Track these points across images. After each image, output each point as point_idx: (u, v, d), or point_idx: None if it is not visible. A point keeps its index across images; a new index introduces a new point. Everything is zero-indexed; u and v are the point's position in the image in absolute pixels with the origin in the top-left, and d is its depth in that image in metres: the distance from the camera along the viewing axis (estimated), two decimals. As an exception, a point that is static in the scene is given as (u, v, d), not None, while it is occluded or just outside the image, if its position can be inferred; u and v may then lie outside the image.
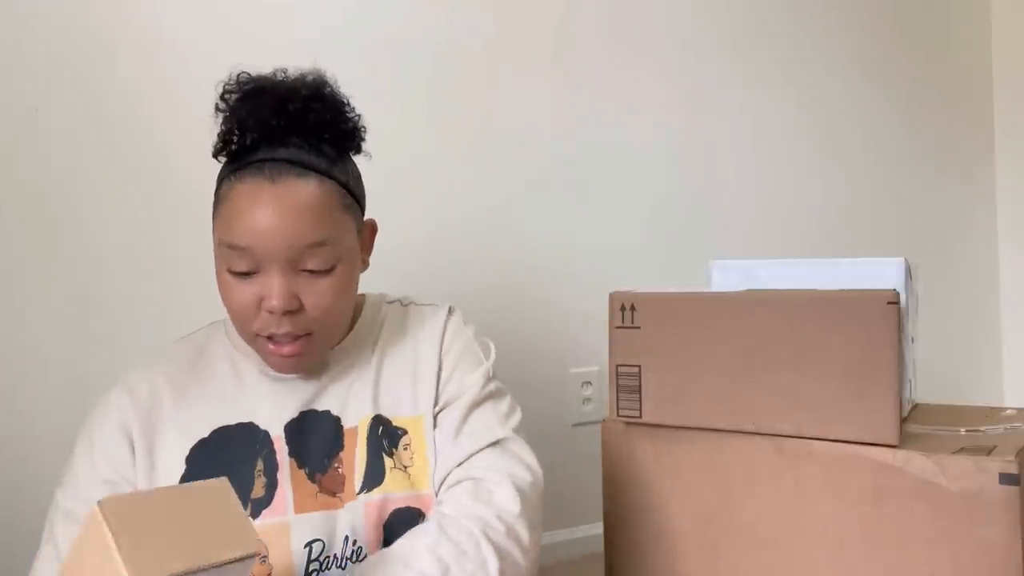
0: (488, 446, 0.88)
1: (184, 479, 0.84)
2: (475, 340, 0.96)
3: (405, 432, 0.89)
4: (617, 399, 1.03)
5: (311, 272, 0.83)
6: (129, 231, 1.19)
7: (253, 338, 0.85)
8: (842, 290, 0.91)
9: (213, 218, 0.86)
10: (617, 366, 1.03)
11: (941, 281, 2.10)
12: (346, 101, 0.89)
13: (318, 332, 0.85)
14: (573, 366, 1.56)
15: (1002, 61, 2.33)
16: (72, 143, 1.16)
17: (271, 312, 0.82)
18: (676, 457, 1.01)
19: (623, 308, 1.02)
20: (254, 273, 0.82)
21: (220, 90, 0.87)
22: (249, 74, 0.87)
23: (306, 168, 0.82)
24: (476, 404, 0.91)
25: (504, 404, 0.93)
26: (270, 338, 0.84)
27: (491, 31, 1.50)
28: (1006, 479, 0.81)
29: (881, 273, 0.99)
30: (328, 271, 0.84)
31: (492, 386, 0.93)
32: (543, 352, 1.53)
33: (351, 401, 0.90)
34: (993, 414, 1.07)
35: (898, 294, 0.87)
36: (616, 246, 1.62)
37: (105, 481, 0.84)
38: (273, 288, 0.81)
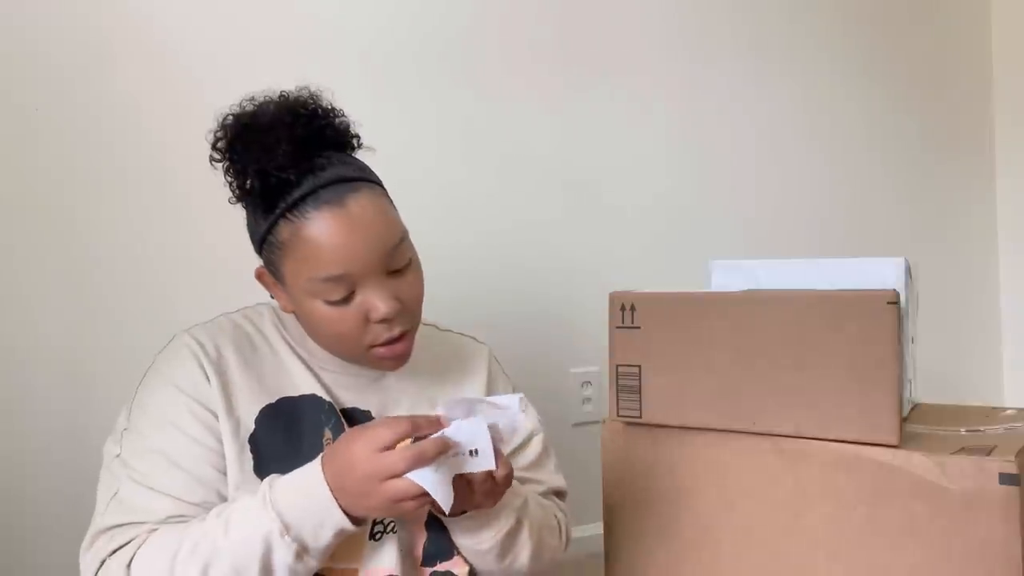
0: (558, 491, 1.03)
1: (254, 438, 0.85)
2: (512, 384, 1.06)
3: None
4: (617, 399, 1.03)
5: (397, 272, 0.86)
6: (128, 231, 1.20)
7: (364, 351, 0.87)
8: (842, 290, 0.91)
9: (274, 262, 0.85)
10: (617, 366, 1.03)
11: (941, 281, 2.10)
12: (332, 106, 0.89)
13: (413, 325, 0.90)
14: (573, 366, 1.56)
15: (1002, 60, 2.33)
16: (72, 143, 1.16)
17: (384, 321, 0.84)
18: (676, 457, 1.01)
19: (623, 308, 1.02)
20: (351, 295, 0.84)
21: (212, 139, 0.85)
22: (234, 115, 0.85)
23: (354, 180, 0.84)
24: (546, 446, 1.03)
25: (554, 457, 1.05)
26: (382, 346, 0.87)
27: (489, 34, 1.50)
28: (1006, 479, 0.81)
29: (881, 273, 0.99)
30: (408, 265, 0.88)
31: (544, 433, 1.04)
32: (543, 352, 1.53)
33: (390, 407, 0.94)
34: (993, 414, 1.07)
35: (898, 294, 0.87)
36: (616, 246, 1.61)
37: (199, 418, 0.84)
38: (379, 299, 0.84)
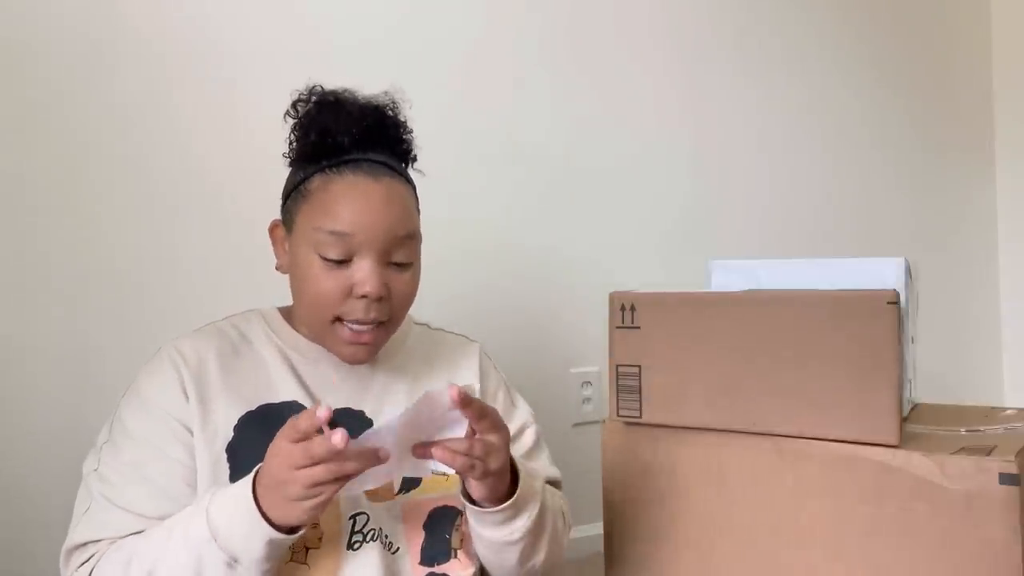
0: (553, 481, 1.02)
1: (232, 446, 0.85)
2: (504, 379, 1.07)
3: None
4: (617, 399, 1.03)
5: (397, 264, 0.90)
6: (129, 231, 1.20)
7: (331, 324, 0.89)
8: (842, 290, 0.91)
9: (293, 211, 0.90)
10: (617, 366, 1.03)
11: (941, 281, 2.10)
12: (406, 120, 0.95)
13: (391, 323, 0.91)
14: (573, 366, 1.56)
15: (1003, 60, 2.33)
16: (74, 141, 1.16)
17: (364, 297, 0.86)
18: (676, 457, 1.01)
19: (623, 308, 1.02)
20: (345, 262, 0.86)
21: (295, 97, 0.92)
22: (323, 87, 0.92)
23: (396, 171, 0.90)
24: (538, 438, 1.04)
25: (547, 449, 1.06)
26: (351, 325, 0.88)
27: (491, 33, 1.50)
28: (1006, 479, 0.81)
29: (881, 273, 0.99)
30: (410, 265, 0.91)
31: (537, 426, 1.05)
32: (543, 352, 1.53)
33: (386, 407, 0.94)
34: (993, 414, 1.07)
35: (898, 294, 0.87)
36: (616, 246, 1.62)
37: (175, 435, 0.85)
38: (369, 275, 0.86)
